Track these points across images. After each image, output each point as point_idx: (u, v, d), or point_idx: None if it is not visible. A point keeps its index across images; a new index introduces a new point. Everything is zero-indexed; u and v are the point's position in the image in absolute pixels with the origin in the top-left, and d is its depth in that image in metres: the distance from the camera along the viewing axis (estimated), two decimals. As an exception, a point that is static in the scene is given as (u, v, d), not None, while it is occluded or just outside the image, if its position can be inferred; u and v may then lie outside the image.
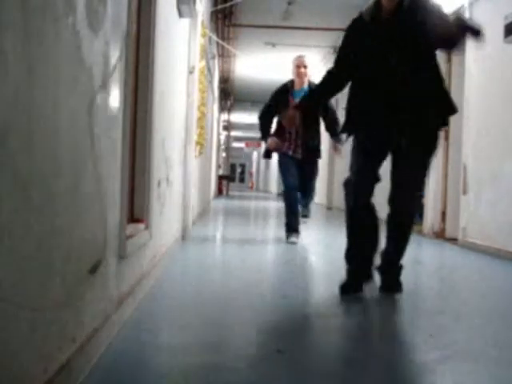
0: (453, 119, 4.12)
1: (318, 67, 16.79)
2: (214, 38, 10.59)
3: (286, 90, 5.63)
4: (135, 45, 2.96)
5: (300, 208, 5.81)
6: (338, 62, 3.20)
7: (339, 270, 3.27)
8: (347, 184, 3.15)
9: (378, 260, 3.17)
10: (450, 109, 3.06)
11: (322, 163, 15.43)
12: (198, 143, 6.66)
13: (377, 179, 3.08)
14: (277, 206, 16.06)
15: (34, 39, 1.32)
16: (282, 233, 5.81)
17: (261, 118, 5.74)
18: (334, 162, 14.24)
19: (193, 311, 2.84)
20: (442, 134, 3.50)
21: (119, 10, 2.21)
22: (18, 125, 1.24)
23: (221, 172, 23.13)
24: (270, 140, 5.59)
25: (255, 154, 45.29)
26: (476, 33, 2.80)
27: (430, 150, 3.06)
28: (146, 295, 2.95)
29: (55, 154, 1.49)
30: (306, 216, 6.01)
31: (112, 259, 2.22)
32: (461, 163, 6.15)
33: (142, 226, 3.03)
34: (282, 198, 5.85)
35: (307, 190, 5.90)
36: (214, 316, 2.68)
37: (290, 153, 5.60)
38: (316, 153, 5.66)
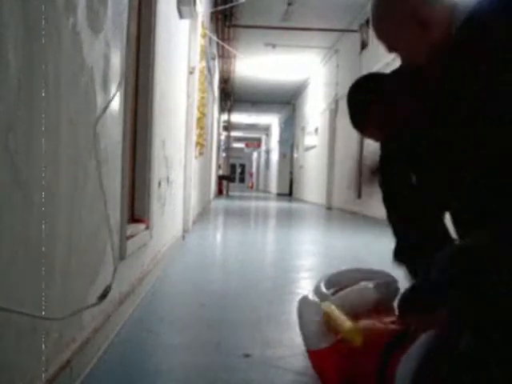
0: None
1: (317, 68, 16.81)
2: (214, 38, 10.60)
3: None
4: (136, 45, 2.97)
5: None
6: None
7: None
8: None
9: None
10: None
11: (322, 164, 15.47)
12: (198, 143, 6.66)
13: None
14: (276, 206, 16.06)
15: (34, 40, 1.32)
16: (281, 232, 5.80)
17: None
18: (334, 163, 14.25)
19: (193, 311, 2.84)
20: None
21: (120, 11, 2.21)
22: (18, 125, 1.25)
23: (221, 172, 23.14)
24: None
25: (255, 155, 45.32)
26: None
27: None
28: (146, 295, 2.96)
29: (55, 154, 1.50)
30: None
31: (112, 259, 2.22)
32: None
33: (142, 226, 3.04)
34: None
35: None
36: (215, 315, 2.69)
37: None
38: None
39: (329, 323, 1.79)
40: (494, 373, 1.36)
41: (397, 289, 1.89)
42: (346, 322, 1.71)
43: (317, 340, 1.81)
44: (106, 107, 1.97)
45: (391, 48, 1.63)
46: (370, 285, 1.88)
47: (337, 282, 2.11)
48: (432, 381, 1.48)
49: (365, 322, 1.73)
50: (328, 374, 1.79)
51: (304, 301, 1.97)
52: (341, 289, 2.04)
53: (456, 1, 1.58)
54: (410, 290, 1.76)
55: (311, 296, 1.96)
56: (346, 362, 1.72)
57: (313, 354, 1.87)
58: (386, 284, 1.90)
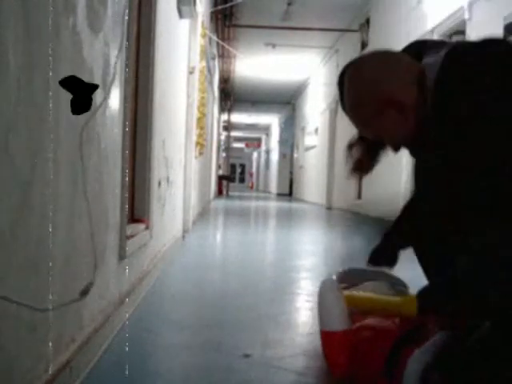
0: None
1: (317, 68, 16.81)
2: (214, 38, 10.60)
3: None
4: (135, 45, 2.97)
5: None
6: None
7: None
8: None
9: None
10: None
11: (322, 164, 15.47)
12: (198, 143, 6.66)
13: None
14: (276, 206, 16.05)
15: (34, 40, 1.32)
16: (281, 232, 5.81)
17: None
18: (334, 163, 14.25)
19: (193, 311, 2.84)
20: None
21: (120, 11, 2.21)
22: (18, 124, 1.25)
23: (221, 172, 23.14)
24: None
25: (255, 155, 45.32)
26: None
27: None
28: (146, 295, 2.96)
29: (55, 153, 1.49)
30: None
31: (112, 259, 2.22)
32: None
33: (142, 226, 3.04)
34: None
35: None
36: (215, 315, 2.68)
37: None
38: None
39: (360, 305, 1.80)
40: (503, 375, 1.37)
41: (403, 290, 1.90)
42: (397, 297, 1.73)
43: (335, 322, 1.80)
44: (97, 109, 1.97)
45: (376, 136, 1.59)
46: (384, 282, 1.89)
47: (346, 280, 2.11)
48: (441, 379, 1.49)
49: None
50: (339, 358, 1.79)
51: (327, 282, 1.94)
52: (352, 286, 2.05)
53: (423, 64, 1.51)
54: (427, 290, 1.76)
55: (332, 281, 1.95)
56: (359, 347, 1.73)
57: (327, 336, 1.84)
58: (397, 283, 1.91)
